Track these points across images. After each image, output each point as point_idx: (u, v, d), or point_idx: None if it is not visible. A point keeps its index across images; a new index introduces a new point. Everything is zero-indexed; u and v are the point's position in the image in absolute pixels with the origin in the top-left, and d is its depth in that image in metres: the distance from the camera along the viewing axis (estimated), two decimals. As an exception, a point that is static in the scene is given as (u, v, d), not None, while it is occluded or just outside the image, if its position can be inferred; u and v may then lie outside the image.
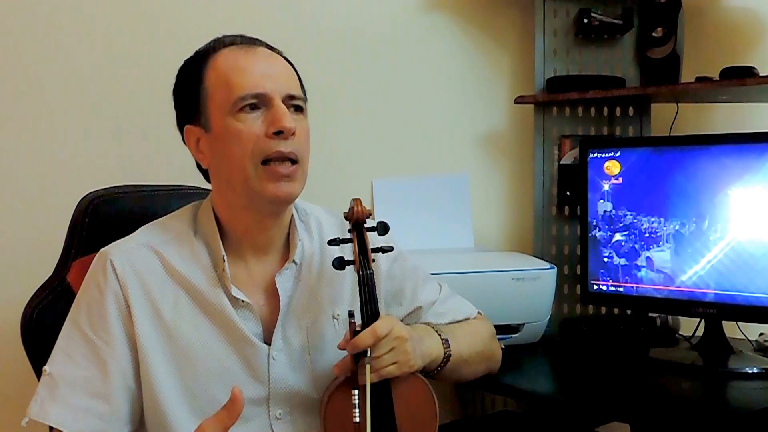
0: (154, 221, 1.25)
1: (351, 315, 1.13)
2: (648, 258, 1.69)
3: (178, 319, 1.16)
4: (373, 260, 1.16)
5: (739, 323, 1.72)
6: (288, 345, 1.20)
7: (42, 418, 1.10)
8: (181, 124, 1.22)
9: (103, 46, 1.70)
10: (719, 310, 1.60)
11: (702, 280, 1.61)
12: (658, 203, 1.67)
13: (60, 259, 1.38)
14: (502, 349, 1.44)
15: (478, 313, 1.43)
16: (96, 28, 1.70)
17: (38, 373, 1.22)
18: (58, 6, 1.67)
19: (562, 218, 2.00)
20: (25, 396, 1.14)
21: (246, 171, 1.12)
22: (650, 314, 1.85)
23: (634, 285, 1.71)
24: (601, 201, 1.75)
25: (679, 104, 1.95)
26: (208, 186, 1.25)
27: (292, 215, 1.25)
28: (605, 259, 1.75)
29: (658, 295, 1.68)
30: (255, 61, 1.15)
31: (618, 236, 1.73)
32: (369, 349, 1.10)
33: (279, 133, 1.11)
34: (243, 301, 1.17)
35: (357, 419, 1.08)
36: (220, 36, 1.20)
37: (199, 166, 1.23)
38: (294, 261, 1.22)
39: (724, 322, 1.65)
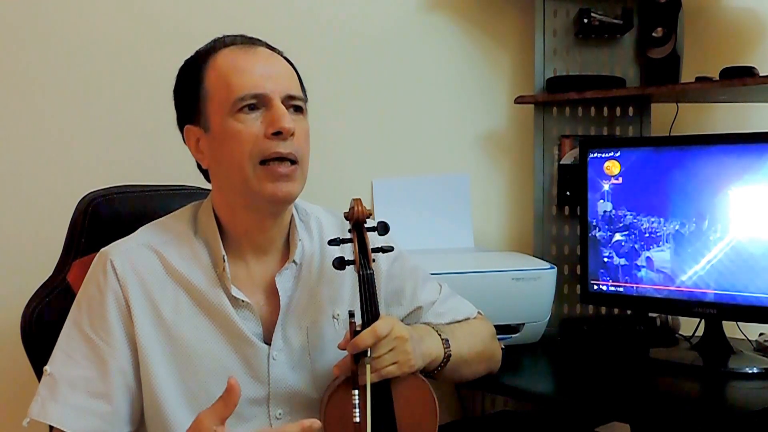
0: (154, 221, 1.25)
1: (351, 315, 1.13)
2: (648, 258, 1.69)
3: (178, 319, 1.16)
4: (374, 260, 1.16)
5: (739, 323, 1.73)
6: (288, 345, 1.20)
7: (43, 417, 1.10)
8: (181, 124, 1.22)
9: (103, 46, 1.70)
10: (719, 310, 1.60)
11: (702, 280, 1.61)
12: (658, 203, 1.67)
13: (60, 259, 1.38)
14: (502, 349, 1.44)
15: (478, 313, 1.43)
16: (96, 28, 1.70)
17: (38, 373, 1.23)
18: (58, 6, 1.67)
19: (562, 218, 2.00)
20: (25, 396, 1.14)
21: (245, 171, 1.12)
22: (650, 314, 1.85)
23: (634, 285, 1.71)
24: (601, 201, 1.75)
25: (679, 104, 1.95)
26: (208, 186, 1.25)
27: (292, 215, 1.25)
28: (605, 259, 1.75)
29: (658, 295, 1.68)
30: (255, 61, 1.15)
31: (618, 236, 1.73)
32: (369, 349, 1.10)
33: (278, 134, 1.11)
34: (243, 301, 1.17)
35: (357, 419, 1.08)
36: (220, 36, 1.20)
37: (199, 166, 1.23)
38: (294, 261, 1.22)
39: (724, 322, 1.65)
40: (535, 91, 1.96)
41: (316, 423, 1.00)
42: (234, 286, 1.17)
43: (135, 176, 1.54)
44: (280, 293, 1.19)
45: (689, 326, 1.79)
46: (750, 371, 1.54)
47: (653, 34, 1.86)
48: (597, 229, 1.76)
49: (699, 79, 1.74)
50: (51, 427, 1.12)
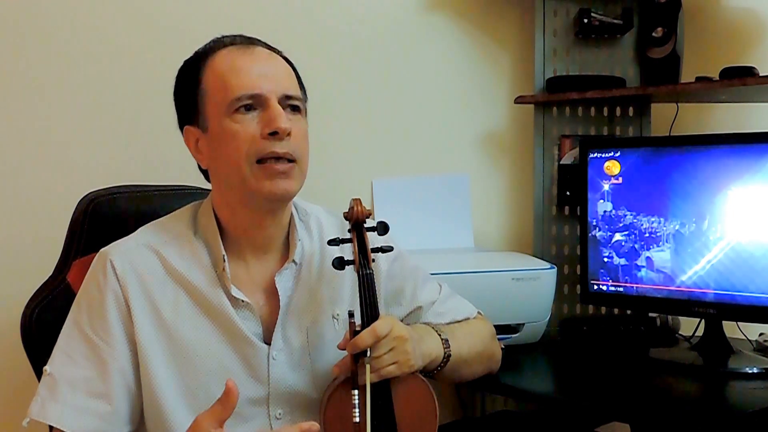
0: (154, 221, 1.25)
1: (351, 315, 1.13)
2: (648, 258, 1.69)
3: (178, 319, 1.16)
4: (373, 260, 1.17)
5: (739, 323, 1.73)
6: (288, 345, 1.20)
7: (43, 417, 1.10)
8: (181, 125, 1.22)
9: (103, 46, 1.70)
10: (719, 310, 1.60)
11: (702, 280, 1.61)
12: (658, 203, 1.67)
13: (60, 259, 1.38)
14: (502, 349, 1.44)
15: (478, 313, 1.43)
16: (96, 27, 1.69)
17: (38, 373, 1.22)
18: (59, 6, 1.67)
19: (562, 218, 2.00)
20: (25, 396, 1.14)
21: (242, 171, 1.13)
22: (650, 314, 1.85)
23: (634, 285, 1.71)
24: (601, 201, 1.75)
25: (679, 104, 1.95)
26: (208, 186, 1.25)
27: (292, 215, 1.25)
28: (605, 259, 1.75)
29: (658, 295, 1.68)
30: (252, 61, 1.15)
31: (618, 236, 1.73)
32: (369, 349, 1.10)
33: (274, 134, 1.11)
34: (243, 301, 1.17)
35: (357, 419, 1.08)
36: (219, 36, 1.20)
37: (199, 166, 1.23)
38: (294, 261, 1.22)
39: (724, 322, 1.65)
40: (535, 91, 1.96)
41: (315, 426, 1.00)
42: (234, 286, 1.17)
43: (135, 176, 1.54)
44: (279, 293, 1.19)
45: (689, 326, 1.79)
46: (750, 371, 1.54)
47: (653, 34, 1.86)
48: (597, 229, 1.76)
49: (699, 79, 1.74)
50: (51, 427, 1.12)
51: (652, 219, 1.68)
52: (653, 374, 1.59)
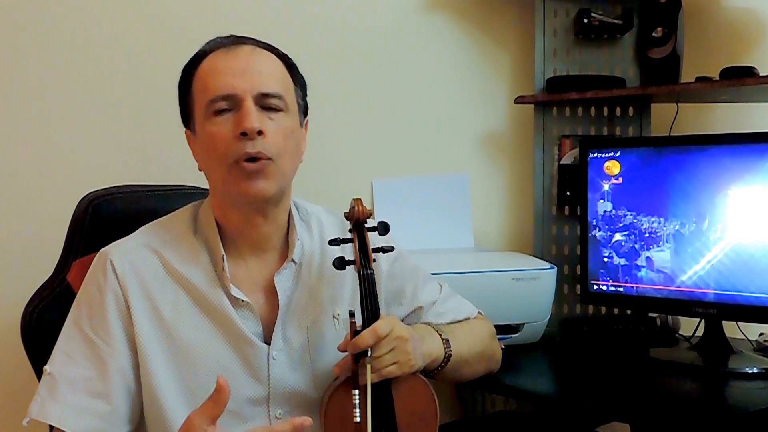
0: (154, 221, 1.25)
1: (352, 315, 1.13)
2: (648, 258, 1.69)
3: (178, 318, 1.16)
4: (374, 260, 1.16)
5: (739, 323, 1.73)
6: (288, 345, 1.20)
7: (42, 417, 1.10)
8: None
9: (103, 46, 1.70)
10: (719, 310, 1.60)
11: (702, 280, 1.61)
12: (658, 203, 1.67)
13: (60, 259, 1.38)
14: (502, 349, 1.44)
15: (479, 312, 1.43)
16: (96, 27, 1.70)
17: (38, 373, 1.23)
18: (59, 6, 1.67)
19: (562, 218, 2.00)
20: (25, 396, 1.14)
21: (221, 173, 1.13)
22: (650, 314, 1.85)
23: (634, 285, 1.71)
24: (601, 201, 1.75)
25: (679, 104, 1.95)
26: (207, 186, 1.25)
27: (291, 214, 1.24)
28: (605, 259, 1.75)
29: (658, 295, 1.68)
30: (231, 62, 1.14)
31: (618, 236, 1.73)
32: (370, 349, 1.10)
33: (244, 135, 1.11)
34: (243, 300, 1.17)
35: (358, 419, 1.08)
36: (212, 38, 1.20)
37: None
38: (293, 260, 1.22)
39: (724, 322, 1.65)
40: (535, 91, 1.96)
41: (308, 420, 0.99)
42: (233, 285, 1.17)
43: (135, 176, 1.54)
44: (278, 293, 1.19)
45: (689, 326, 1.79)
46: (750, 371, 1.54)
47: (653, 34, 1.86)
48: (597, 229, 1.76)
49: (699, 79, 1.74)
50: (51, 427, 1.12)
51: (652, 219, 1.68)
52: (653, 374, 1.59)
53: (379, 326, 1.11)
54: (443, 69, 2.02)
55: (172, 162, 1.45)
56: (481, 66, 2.05)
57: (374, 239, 1.19)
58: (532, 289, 1.66)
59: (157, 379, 1.13)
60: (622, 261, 1.72)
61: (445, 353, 1.25)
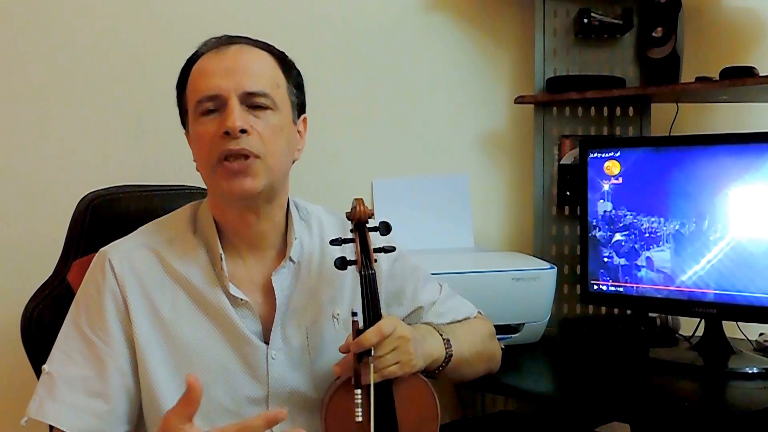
0: (154, 221, 1.26)
1: (354, 314, 1.13)
2: (648, 258, 1.69)
3: (176, 318, 1.16)
4: (375, 260, 1.16)
5: (739, 323, 1.72)
6: (287, 344, 1.20)
7: (40, 416, 1.10)
8: None
9: (103, 46, 1.70)
10: (719, 310, 1.60)
11: (702, 280, 1.61)
12: (658, 203, 1.67)
13: (60, 259, 1.38)
14: (502, 349, 1.44)
15: (478, 312, 1.43)
16: (96, 27, 1.70)
17: (38, 373, 1.22)
18: (59, 6, 1.67)
19: (562, 218, 2.00)
20: (25, 396, 1.14)
21: (209, 172, 1.14)
22: (650, 314, 1.85)
23: (634, 285, 1.71)
24: (601, 201, 1.75)
25: (679, 104, 1.95)
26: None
27: (290, 213, 1.24)
28: (605, 259, 1.75)
29: (658, 295, 1.68)
30: (218, 63, 1.14)
31: (618, 236, 1.73)
32: (372, 349, 1.09)
33: (227, 134, 1.11)
34: (241, 299, 1.17)
35: (360, 419, 1.08)
36: (207, 39, 1.19)
37: (199, 167, 1.23)
38: (291, 260, 1.22)
39: (724, 322, 1.65)
40: (535, 91, 1.96)
41: (282, 413, 0.97)
42: (232, 284, 1.17)
43: (135, 176, 1.54)
44: (276, 292, 1.19)
45: (689, 326, 1.79)
46: (750, 371, 1.54)
47: (653, 34, 1.86)
48: (597, 229, 1.76)
49: (699, 79, 1.74)
50: (51, 428, 1.12)
51: (652, 219, 1.68)
52: (653, 374, 1.59)
53: (383, 325, 1.11)
54: (443, 69, 2.02)
55: (172, 162, 1.45)
56: (481, 66, 2.05)
57: (375, 239, 1.19)
58: (532, 289, 1.66)
59: (156, 378, 1.13)
60: (622, 261, 1.72)
61: (446, 353, 1.25)
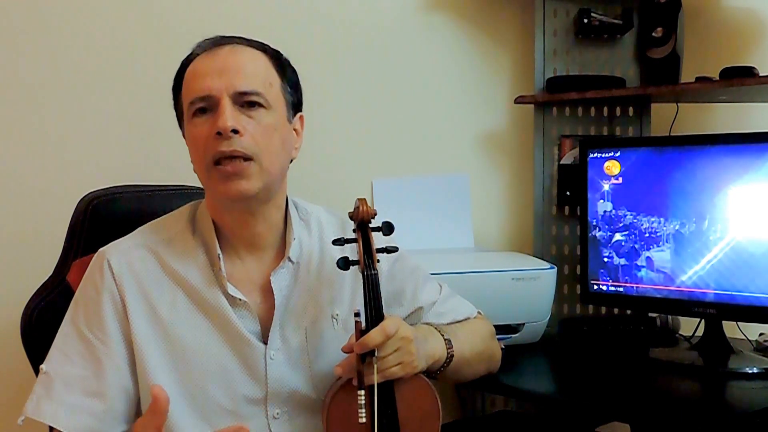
0: (153, 221, 1.26)
1: (357, 314, 1.12)
2: (648, 258, 1.69)
3: (175, 318, 1.16)
4: (378, 261, 1.16)
5: (739, 323, 1.72)
6: (286, 345, 1.20)
7: (37, 416, 1.10)
8: None
9: (103, 46, 1.70)
10: (719, 310, 1.60)
11: (702, 280, 1.61)
12: (658, 203, 1.67)
13: (60, 259, 1.38)
14: (502, 349, 1.44)
15: (478, 312, 1.42)
16: (96, 27, 1.69)
17: (38, 373, 1.22)
18: (59, 6, 1.67)
19: (562, 218, 2.00)
20: (25, 396, 1.14)
21: (204, 174, 1.14)
22: (650, 314, 1.85)
23: (634, 285, 1.71)
24: (601, 201, 1.75)
25: (679, 104, 1.95)
26: (206, 186, 1.25)
27: (289, 213, 1.24)
28: (605, 259, 1.75)
29: (658, 295, 1.68)
30: (210, 63, 1.14)
31: (618, 236, 1.73)
32: (375, 349, 1.09)
33: (220, 134, 1.11)
34: (240, 299, 1.17)
35: (363, 419, 1.08)
36: (201, 40, 1.19)
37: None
38: (290, 260, 1.22)
39: (724, 322, 1.65)
40: (535, 91, 1.96)
41: (243, 429, 0.99)
42: (231, 284, 1.17)
43: (135, 176, 1.54)
44: (274, 292, 1.19)
45: (689, 326, 1.79)
46: (750, 371, 1.54)
47: (653, 34, 1.86)
48: (597, 229, 1.76)
49: (699, 79, 1.74)
50: (51, 428, 1.12)
51: (652, 219, 1.68)
52: (653, 374, 1.59)
53: (388, 325, 1.11)
54: (443, 69, 2.02)
55: (172, 162, 1.45)
56: (481, 66, 2.05)
57: (377, 239, 1.18)
58: (532, 289, 1.66)
59: (154, 378, 1.13)
60: (622, 261, 1.72)
61: (448, 354, 1.24)
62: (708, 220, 1.60)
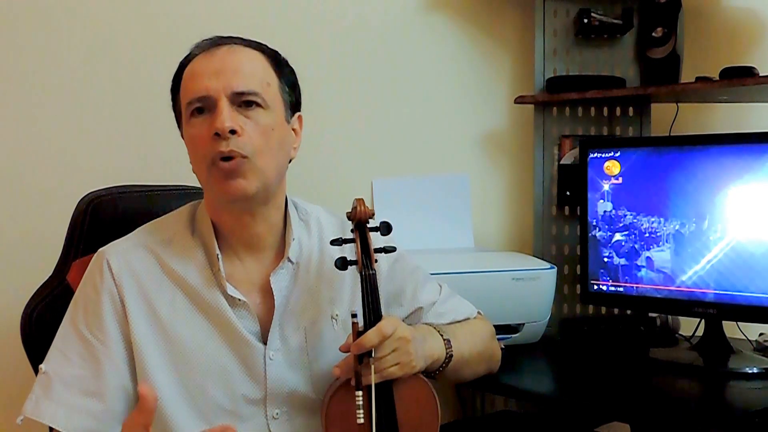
0: (153, 221, 1.26)
1: (354, 315, 1.13)
2: (648, 258, 1.69)
3: (174, 318, 1.16)
4: (376, 261, 1.16)
5: (739, 323, 1.72)
6: (285, 345, 1.20)
7: (36, 416, 1.10)
8: None
9: (103, 46, 1.70)
10: (719, 310, 1.60)
11: (702, 280, 1.61)
12: (658, 203, 1.67)
13: (60, 259, 1.38)
14: (502, 349, 1.44)
15: (478, 312, 1.42)
16: (96, 27, 1.70)
17: (37, 373, 1.23)
18: (58, 6, 1.67)
19: (562, 218, 2.00)
20: (24, 395, 1.14)
21: (203, 174, 1.14)
22: (650, 314, 1.85)
23: (634, 285, 1.71)
24: (601, 201, 1.75)
25: (679, 104, 1.95)
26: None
27: (288, 214, 1.24)
28: (605, 259, 1.75)
29: (658, 295, 1.68)
30: (207, 64, 1.14)
31: (618, 236, 1.73)
32: (373, 350, 1.09)
33: (218, 135, 1.10)
34: (239, 299, 1.17)
35: (361, 420, 1.08)
36: (199, 41, 1.19)
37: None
38: (290, 260, 1.22)
39: (724, 322, 1.65)
40: (535, 91, 1.96)
41: (230, 430, 0.99)
42: (230, 284, 1.17)
43: (135, 176, 1.54)
44: (274, 292, 1.19)
45: (689, 326, 1.79)
46: (750, 371, 1.54)
47: (653, 34, 1.86)
48: (597, 229, 1.76)
49: (699, 79, 1.74)
50: (51, 428, 1.12)
51: (652, 219, 1.68)
52: (653, 374, 1.59)
53: (384, 326, 1.11)
54: (443, 69, 2.02)
55: (172, 162, 1.45)
56: (481, 66, 2.05)
57: (376, 239, 1.19)
58: (532, 289, 1.66)
59: (154, 378, 1.13)
60: (622, 261, 1.72)
61: (447, 354, 1.24)
62: (708, 220, 1.60)
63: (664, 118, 1.98)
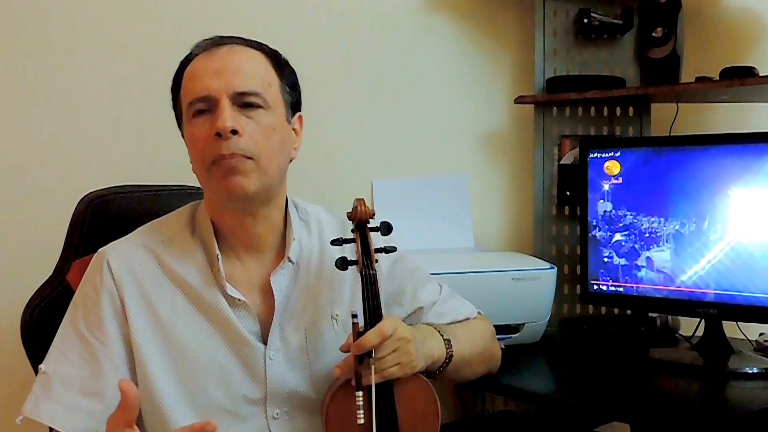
0: (152, 221, 1.26)
1: (354, 316, 1.12)
2: (648, 258, 1.69)
3: (174, 318, 1.16)
4: (376, 260, 1.16)
5: (739, 323, 1.72)
6: (286, 345, 1.20)
7: (35, 415, 1.10)
8: None
9: (103, 46, 1.70)
10: (719, 310, 1.60)
11: (702, 280, 1.61)
12: (658, 203, 1.67)
13: (60, 259, 1.38)
14: (502, 349, 1.44)
15: (478, 313, 1.42)
16: (96, 27, 1.70)
17: (37, 373, 1.23)
18: (58, 5, 1.67)
19: (562, 218, 2.00)
20: (24, 395, 1.14)
21: (204, 174, 1.14)
22: (650, 314, 1.85)
23: (634, 285, 1.71)
24: (601, 201, 1.75)
25: (679, 104, 1.95)
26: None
27: (288, 214, 1.24)
28: (605, 259, 1.75)
29: (658, 295, 1.68)
30: (208, 64, 1.14)
31: (618, 236, 1.73)
32: (373, 350, 1.09)
33: (219, 135, 1.10)
34: (239, 300, 1.17)
35: (361, 420, 1.08)
36: (199, 41, 1.19)
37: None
38: (290, 260, 1.22)
39: (724, 322, 1.65)
40: (535, 91, 1.96)
41: (210, 425, 0.98)
42: (230, 284, 1.17)
43: (135, 176, 1.54)
44: (274, 292, 1.19)
45: (689, 326, 1.79)
46: (750, 371, 1.54)
47: (653, 34, 1.86)
48: (597, 229, 1.76)
49: (699, 79, 1.74)
50: (51, 428, 1.12)
51: (652, 219, 1.68)
52: (653, 374, 1.59)
53: (384, 326, 1.11)
54: (443, 69, 2.02)
55: (172, 162, 1.45)
56: (481, 66, 2.05)
57: (376, 239, 1.19)
58: (532, 289, 1.66)
59: (154, 378, 1.13)
60: (622, 261, 1.72)
61: (447, 354, 1.24)
62: (708, 220, 1.60)
63: (664, 118, 1.98)
